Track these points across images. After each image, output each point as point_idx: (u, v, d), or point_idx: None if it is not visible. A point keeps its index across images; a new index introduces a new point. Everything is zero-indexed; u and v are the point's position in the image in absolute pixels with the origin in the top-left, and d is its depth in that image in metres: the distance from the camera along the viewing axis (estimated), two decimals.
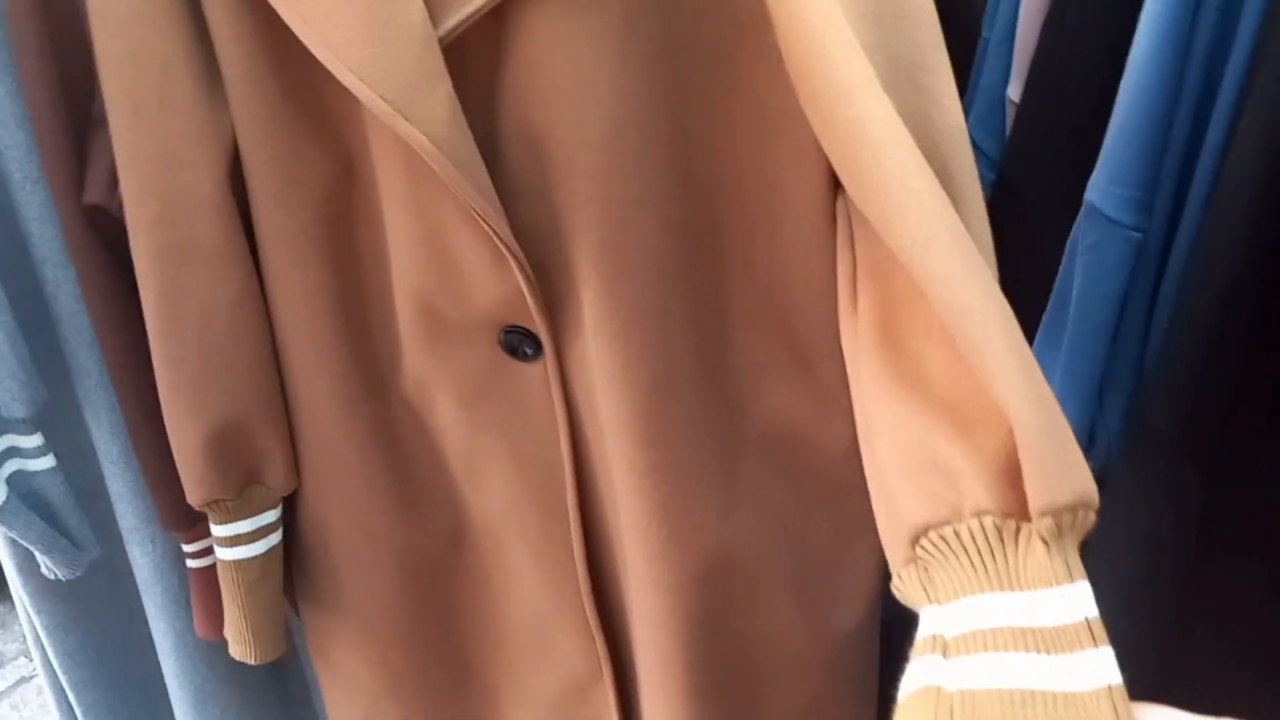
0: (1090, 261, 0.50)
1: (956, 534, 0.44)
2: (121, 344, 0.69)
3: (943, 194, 0.47)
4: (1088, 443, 0.54)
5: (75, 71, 0.65)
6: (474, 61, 0.58)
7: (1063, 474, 0.42)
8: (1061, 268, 0.54)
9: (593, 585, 0.71)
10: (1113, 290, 0.49)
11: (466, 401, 0.69)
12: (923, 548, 0.45)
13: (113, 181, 0.65)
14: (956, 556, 0.44)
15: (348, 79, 0.54)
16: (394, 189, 0.63)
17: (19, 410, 0.67)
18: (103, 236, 0.67)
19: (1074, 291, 0.52)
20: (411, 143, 0.55)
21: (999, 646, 0.40)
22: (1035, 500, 0.42)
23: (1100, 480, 0.44)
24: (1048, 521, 0.41)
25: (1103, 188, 0.48)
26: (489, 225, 0.58)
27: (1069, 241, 0.52)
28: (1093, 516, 0.42)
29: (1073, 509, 0.42)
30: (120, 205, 0.65)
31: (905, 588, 0.47)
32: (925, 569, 0.45)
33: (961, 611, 0.42)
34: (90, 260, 0.67)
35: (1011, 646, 0.40)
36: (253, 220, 0.66)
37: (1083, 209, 0.51)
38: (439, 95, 0.55)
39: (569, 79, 0.57)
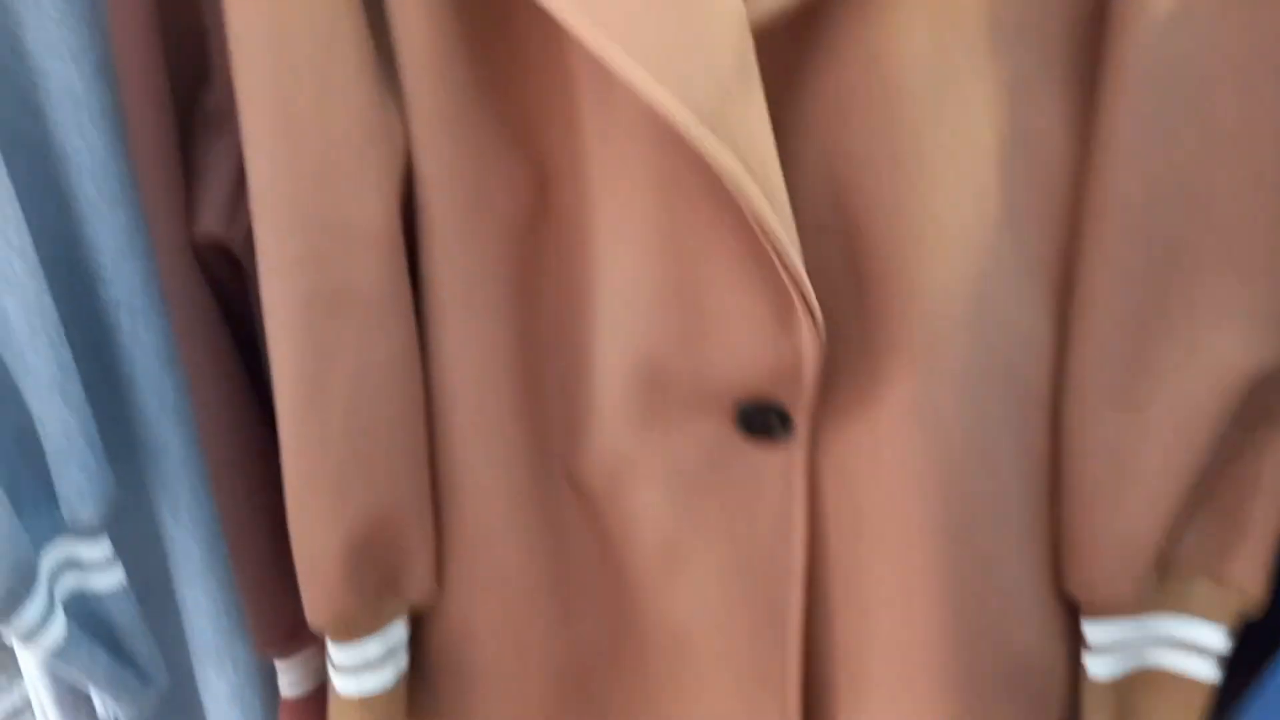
0: None
1: None
2: (230, 422, 0.51)
3: None
4: None
5: (186, 52, 0.47)
6: (777, 57, 0.43)
7: None
8: None
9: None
10: None
11: (677, 490, 0.54)
12: None
13: (232, 205, 0.48)
14: None
15: (648, 88, 0.39)
16: (628, 221, 0.47)
17: (87, 511, 0.49)
18: (212, 278, 0.49)
19: None
20: (719, 168, 0.40)
21: None
22: None
23: None
24: None
25: None
26: (787, 272, 0.43)
27: None
28: None
29: None
30: (244, 238, 0.47)
31: None
32: None
33: None
34: (197, 312, 0.48)
35: None
36: (422, 258, 0.50)
37: None
38: (754, 104, 0.41)
39: (909, 97, 0.43)
